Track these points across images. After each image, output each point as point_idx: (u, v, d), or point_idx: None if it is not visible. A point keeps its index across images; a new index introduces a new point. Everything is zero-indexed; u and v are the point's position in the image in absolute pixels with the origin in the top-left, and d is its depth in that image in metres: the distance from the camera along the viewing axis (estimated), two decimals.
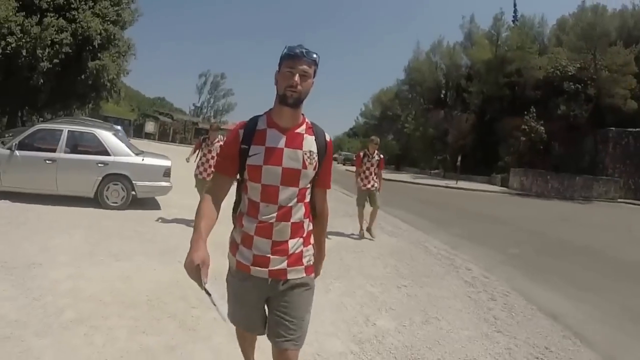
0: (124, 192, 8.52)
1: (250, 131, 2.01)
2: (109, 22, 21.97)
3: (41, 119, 23.98)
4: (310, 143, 2.04)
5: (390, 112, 50.85)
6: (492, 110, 36.12)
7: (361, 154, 8.22)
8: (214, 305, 1.69)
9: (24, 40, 19.12)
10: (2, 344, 3.02)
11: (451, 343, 3.92)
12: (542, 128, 29.21)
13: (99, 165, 8.44)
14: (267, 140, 1.99)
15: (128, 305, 3.91)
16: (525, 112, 30.08)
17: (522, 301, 5.43)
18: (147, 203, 9.20)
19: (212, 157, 7.59)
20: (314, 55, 1.95)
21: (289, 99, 1.92)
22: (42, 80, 20.13)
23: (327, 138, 2.13)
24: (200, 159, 7.84)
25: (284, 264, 1.99)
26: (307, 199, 2.08)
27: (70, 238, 5.99)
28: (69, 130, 8.64)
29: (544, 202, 22.50)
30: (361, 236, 8.17)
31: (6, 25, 18.53)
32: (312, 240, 2.14)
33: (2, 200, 7.88)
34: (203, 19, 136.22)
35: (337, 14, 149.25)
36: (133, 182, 8.56)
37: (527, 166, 28.95)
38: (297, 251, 2.03)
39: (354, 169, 8.67)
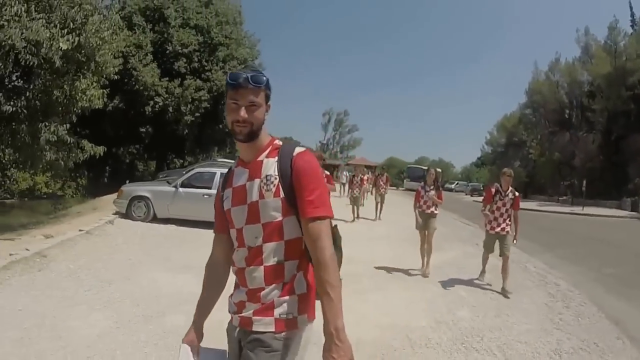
0: None
1: (225, 176, 1.86)
2: None
3: (182, 162, 27.57)
4: (269, 167, 1.69)
5: (516, 138, 48.19)
6: (618, 128, 33.03)
7: (493, 189, 6.85)
8: None
9: (169, 100, 22.58)
10: (189, 306, 4.45)
11: (510, 331, 4.89)
12: None
13: None
14: (234, 180, 1.77)
15: None
16: None
17: (593, 309, 5.91)
18: None
19: None
20: (263, 79, 1.64)
21: (239, 135, 1.65)
22: (186, 131, 23.56)
23: (295, 153, 1.69)
24: None
25: (251, 312, 1.65)
26: (289, 236, 1.67)
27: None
28: (220, 173, 10.58)
29: None
30: (480, 278, 7.15)
31: (154, 89, 22.10)
32: (301, 290, 1.68)
33: (170, 225, 9.93)
34: (323, 60, 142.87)
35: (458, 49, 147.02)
36: None
37: None
38: (268, 300, 1.64)
39: (481, 199, 7.58)
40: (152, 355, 3.68)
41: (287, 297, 1.64)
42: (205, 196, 10.14)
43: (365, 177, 17.04)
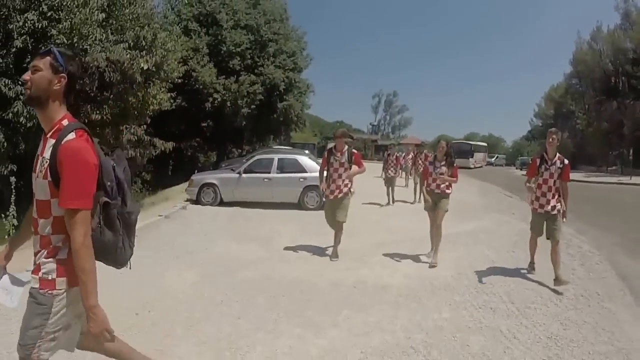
0: (318, 198, 11.26)
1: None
2: (288, 70, 26.66)
3: (241, 151, 29.41)
4: (48, 148, 1.87)
5: (564, 109, 47.34)
6: None
7: (538, 159, 5.67)
8: None
9: (227, 96, 24.35)
10: (256, 265, 5.80)
11: (521, 281, 5.69)
12: None
13: (300, 180, 11.45)
14: (39, 148, 1.97)
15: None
16: None
17: (607, 267, 6.42)
18: None
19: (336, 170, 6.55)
20: (48, 51, 1.92)
21: (24, 97, 1.96)
22: (244, 122, 25.32)
23: (65, 140, 1.84)
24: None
25: (31, 270, 1.96)
26: (57, 213, 1.89)
27: (286, 226, 8.92)
28: (278, 158, 11.93)
29: None
30: (530, 270, 6.04)
31: (212, 87, 23.92)
32: (62, 256, 1.93)
33: (236, 207, 11.32)
34: (371, 42, 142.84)
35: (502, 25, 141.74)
36: None
37: None
38: (37, 262, 1.93)
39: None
40: (230, 297, 4.90)
41: (49, 260, 1.91)
42: (265, 180, 11.47)
43: (402, 156, 17.67)
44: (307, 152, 16.81)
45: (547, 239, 5.52)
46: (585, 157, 41.06)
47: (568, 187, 5.50)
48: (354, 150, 6.58)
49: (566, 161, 5.46)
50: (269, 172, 11.60)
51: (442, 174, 6.26)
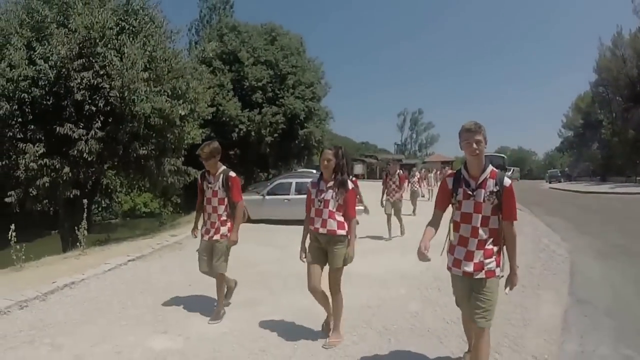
0: None
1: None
2: (307, 100, 29.09)
3: (267, 175, 31.74)
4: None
5: (593, 119, 46.25)
6: None
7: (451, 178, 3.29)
8: None
9: (251, 126, 26.92)
10: (272, 261, 7.71)
11: None
12: None
13: None
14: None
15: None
16: None
17: (565, 267, 7.32)
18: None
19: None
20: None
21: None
22: (267, 149, 27.73)
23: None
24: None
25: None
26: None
27: (299, 236, 10.84)
28: (295, 182, 13.90)
29: None
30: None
31: (238, 119, 26.58)
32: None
33: (261, 224, 13.32)
34: (393, 64, 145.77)
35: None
36: None
37: None
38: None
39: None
40: (254, 282, 6.76)
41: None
42: (285, 200, 13.48)
43: (417, 175, 19.22)
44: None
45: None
46: (614, 168, 40.04)
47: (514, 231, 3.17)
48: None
49: (507, 181, 3.10)
50: (288, 194, 13.59)
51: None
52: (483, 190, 3.05)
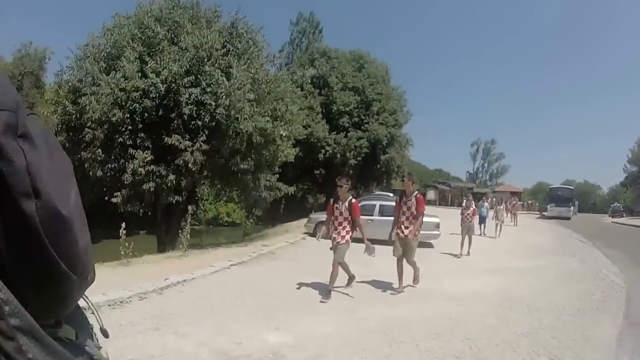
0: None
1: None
2: (390, 127, 29.70)
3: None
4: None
5: None
6: None
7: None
8: None
9: (337, 149, 27.97)
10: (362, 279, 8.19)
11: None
12: None
13: None
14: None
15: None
16: None
17: (623, 293, 8.07)
18: (426, 244, 14.09)
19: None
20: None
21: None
22: (351, 171, 28.36)
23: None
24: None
25: None
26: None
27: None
28: (379, 204, 14.48)
29: None
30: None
31: (325, 141, 27.72)
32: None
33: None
34: (471, 93, 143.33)
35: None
36: None
37: None
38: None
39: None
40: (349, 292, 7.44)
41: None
42: (369, 221, 13.98)
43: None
44: None
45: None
46: None
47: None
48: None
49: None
50: (372, 215, 14.13)
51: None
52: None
